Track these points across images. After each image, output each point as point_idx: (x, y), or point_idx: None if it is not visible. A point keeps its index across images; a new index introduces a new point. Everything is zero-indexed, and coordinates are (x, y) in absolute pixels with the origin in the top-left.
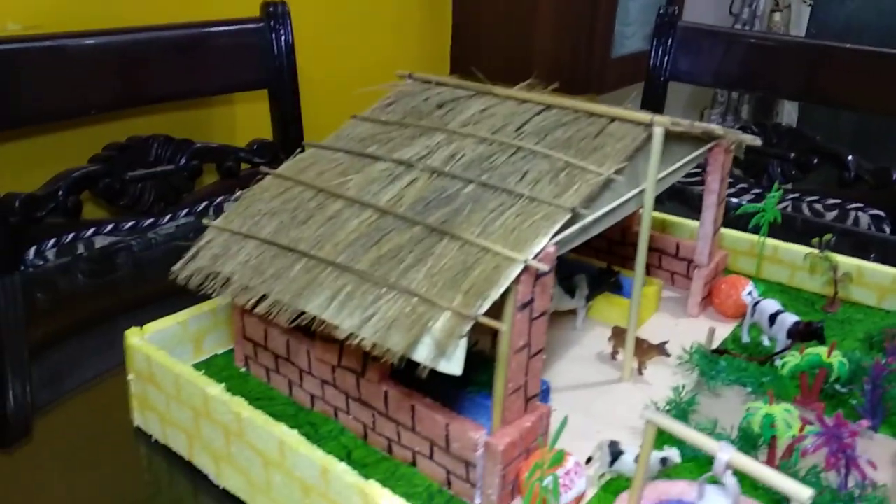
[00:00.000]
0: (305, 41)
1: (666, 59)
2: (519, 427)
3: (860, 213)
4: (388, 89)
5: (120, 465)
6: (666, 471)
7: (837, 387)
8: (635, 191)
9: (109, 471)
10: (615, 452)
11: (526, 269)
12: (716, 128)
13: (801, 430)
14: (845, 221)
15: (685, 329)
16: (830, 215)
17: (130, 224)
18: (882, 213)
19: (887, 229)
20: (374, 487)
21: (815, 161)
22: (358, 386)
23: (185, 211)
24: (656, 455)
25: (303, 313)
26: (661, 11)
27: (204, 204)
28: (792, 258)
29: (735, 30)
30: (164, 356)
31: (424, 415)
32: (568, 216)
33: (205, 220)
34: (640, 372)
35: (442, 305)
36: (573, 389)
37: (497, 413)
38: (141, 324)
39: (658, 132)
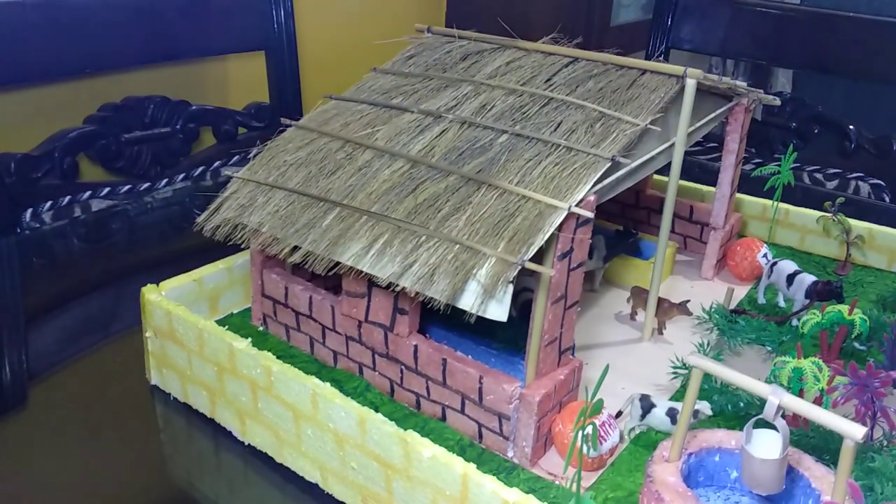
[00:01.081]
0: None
1: (669, 26)
2: (553, 379)
3: (860, 183)
4: (407, 43)
5: (136, 424)
6: (697, 424)
7: (856, 344)
8: (665, 144)
9: (125, 432)
10: (646, 406)
11: (567, 217)
12: (741, 84)
13: (830, 382)
14: (846, 190)
15: (700, 291)
16: (831, 185)
17: (127, 188)
18: (882, 183)
19: (887, 198)
20: (414, 437)
21: (816, 131)
22: (386, 341)
23: (181, 175)
24: None
25: (338, 263)
26: None
27: (201, 169)
28: (804, 222)
29: None
30: (185, 311)
31: (456, 368)
32: (608, 165)
33: (225, 172)
34: (660, 332)
35: (486, 252)
36: (594, 349)
37: (531, 365)
38: (140, 287)
39: (690, 84)
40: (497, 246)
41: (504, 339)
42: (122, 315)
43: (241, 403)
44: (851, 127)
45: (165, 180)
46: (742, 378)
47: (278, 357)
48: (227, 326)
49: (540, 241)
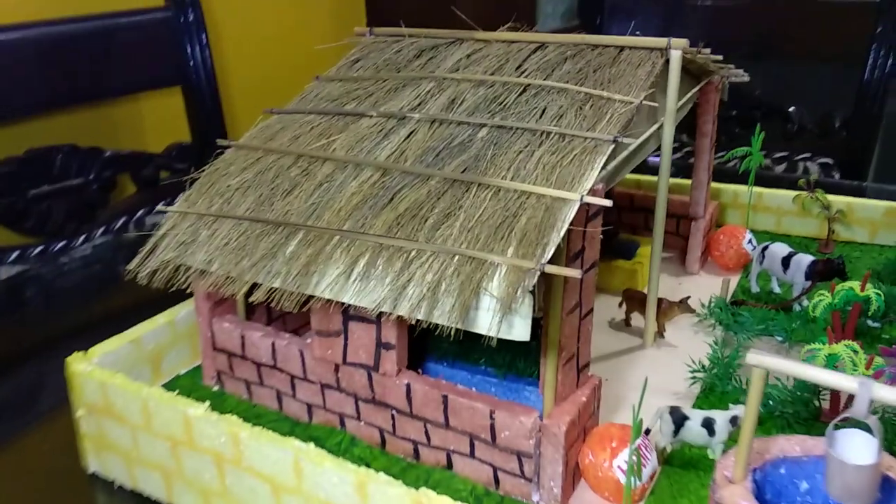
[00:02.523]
0: (218, 29)
1: (598, 27)
2: (575, 403)
3: (808, 163)
4: (349, 47)
5: None
6: (735, 432)
7: (870, 322)
8: (656, 125)
9: None
10: (678, 419)
11: (577, 212)
12: (716, 58)
13: (869, 366)
14: (794, 172)
15: (689, 287)
16: (780, 168)
17: (39, 249)
18: (830, 161)
19: (836, 175)
20: (429, 496)
21: (758, 116)
22: (370, 383)
23: (100, 230)
24: (724, 415)
25: (311, 297)
26: None
27: (122, 220)
28: (779, 203)
29: None
30: (123, 379)
31: (461, 405)
32: (612, 147)
33: (160, 207)
34: (660, 335)
35: (494, 260)
36: (596, 361)
37: (549, 389)
38: (62, 361)
39: (676, 56)
40: (505, 251)
41: (498, 364)
42: (45, 394)
43: (204, 482)
44: (792, 109)
45: (83, 237)
46: (817, 372)
47: (242, 420)
48: (175, 391)
49: (556, 240)
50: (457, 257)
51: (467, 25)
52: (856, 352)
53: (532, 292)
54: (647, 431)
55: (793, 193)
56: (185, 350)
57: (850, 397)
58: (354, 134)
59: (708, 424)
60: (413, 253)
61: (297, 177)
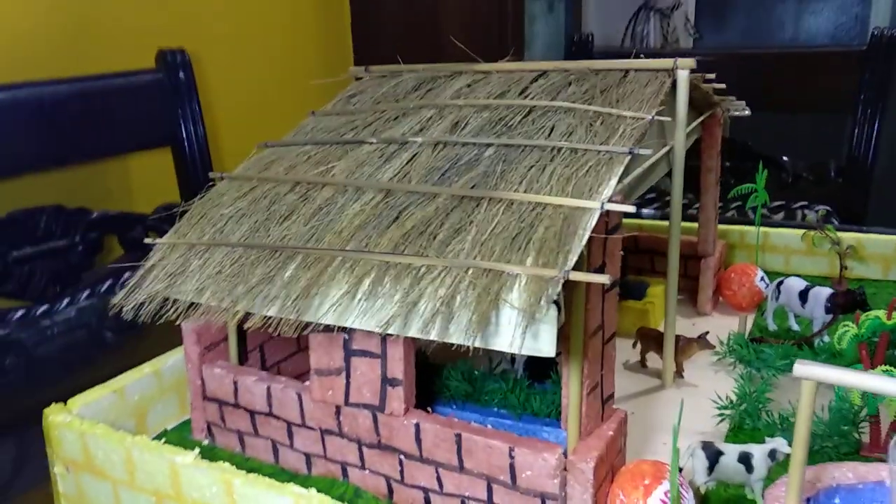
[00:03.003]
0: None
1: None
2: (602, 438)
3: (806, 211)
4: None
5: None
6: (776, 466)
7: None
8: (665, 148)
9: None
10: (712, 455)
11: (597, 223)
12: (719, 86)
13: None
14: (794, 220)
15: (704, 328)
16: (778, 217)
17: (20, 314)
18: (828, 208)
19: (836, 222)
20: None
21: (750, 167)
22: (376, 426)
23: (85, 293)
24: (762, 448)
25: (309, 324)
26: (575, 38)
27: (108, 283)
28: (787, 242)
29: (648, 48)
30: (105, 429)
31: (476, 444)
32: (628, 158)
33: (148, 239)
34: (679, 374)
35: (512, 271)
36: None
37: (573, 421)
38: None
39: (683, 75)
40: (524, 262)
41: (512, 404)
42: (26, 466)
43: None
44: (786, 158)
45: (66, 300)
46: (876, 379)
47: None
48: None
49: (579, 247)
50: (471, 270)
51: (459, 59)
52: (894, 376)
53: (556, 303)
54: (680, 470)
55: (800, 232)
56: (172, 402)
57: (892, 430)
58: (354, 159)
59: (745, 459)
60: (423, 269)
61: (294, 202)
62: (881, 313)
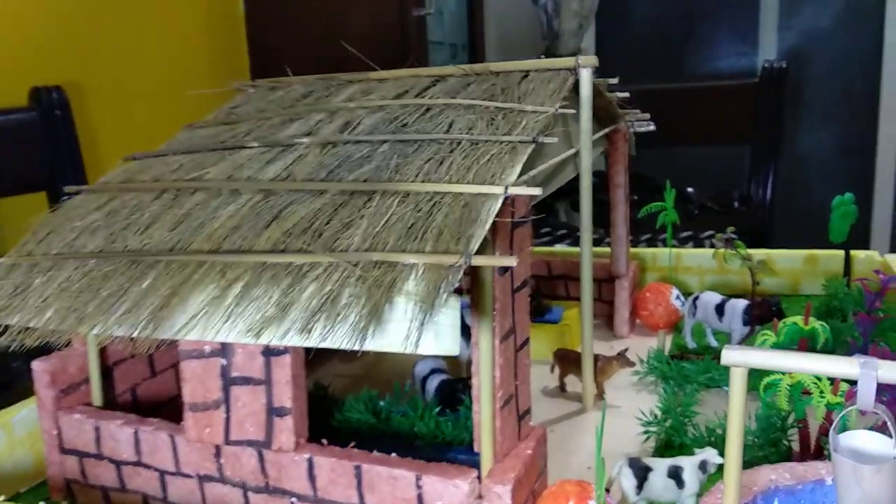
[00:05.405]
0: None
1: None
2: (520, 458)
3: (713, 240)
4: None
5: None
6: (707, 478)
7: None
8: (571, 150)
9: None
10: (640, 472)
11: (502, 212)
12: (622, 95)
13: (835, 392)
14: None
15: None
16: (687, 247)
17: None
18: (734, 236)
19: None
20: None
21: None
22: (262, 466)
23: None
24: (692, 461)
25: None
26: None
27: None
28: (699, 262)
29: None
30: None
31: (379, 475)
32: (531, 147)
33: None
34: (600, 395)
35: (407, 261)
36: None
37: (487, 441)
38: None
39: (586, 73)
40: (421, 251)
41: (421, 430)
42: None
43: None
44: (690, 190)
45: None
46: (809, 359)
47: None
48: None
49: (482, 232)
50: (361, 263)
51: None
52: (819, 379)
53: (458, 290)
54: (608, 490)
55: (711, 251)
56: (26, 461)
57: (821, 433)
58: (232, 164)
59: (675, 474)
60: (306, 267)
61: (160, 210)
62: (798, 319)
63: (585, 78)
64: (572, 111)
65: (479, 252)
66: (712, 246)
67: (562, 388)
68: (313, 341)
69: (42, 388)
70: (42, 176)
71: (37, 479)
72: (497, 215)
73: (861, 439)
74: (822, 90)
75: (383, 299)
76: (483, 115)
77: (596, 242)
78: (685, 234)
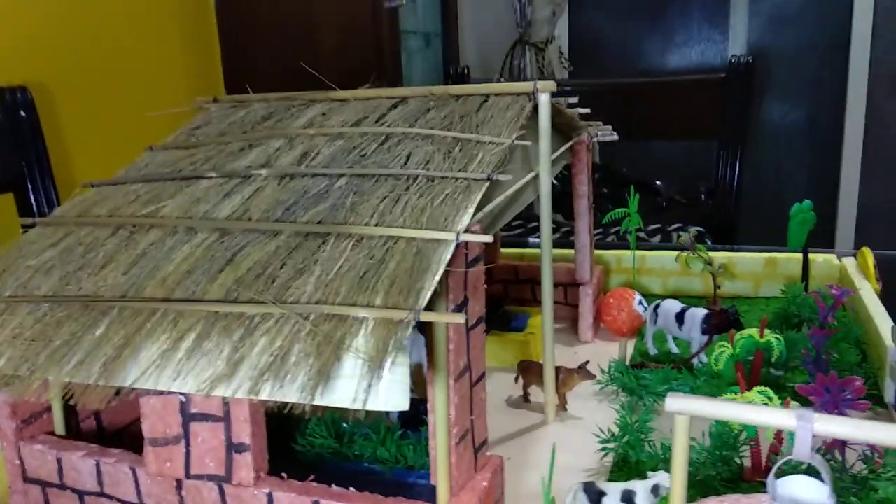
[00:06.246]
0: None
1: None
2: (475, 491)
3: (681, 233)
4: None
5: None
6: (663, 499)
7: (773, 370)
8: (531, 174)
9: None
10: (594, 496)
11: (455, 253)
12: (583, 111)
13: (779, 441)
14: (670, 241)
15: (585, 355)
16: (655, 239)
17: None
18: (701, 229)
19: (709, 241)
20: None
21: (627, 192)
22: (223, 499)
23: None
24: (644, 485)
25: (120, 391)
26: (452, 71)
27: None
28: (662, 264)
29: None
30: None
31: None
32: (486, 185)
33: None
34: (562, 407)
35: (358, 315)
36: (495, 444)
37: (443, 474)
38: None
39: (544, 99)
40: (372, 303)
41: (383, 456)
42: None
43: None
44: (659, 183)
45: None
46: (747, 410)
47: None
48: None
49: (432, 284)
50: (312, 316)
51: (326, 87)
52: (770, 398)
53: (406, 347)
54: None
55: (675, 253)
56: None
57: (777, 439)
58: (189, 196)
59: (628, 499)
60: (257, 318)
61: (114, 249)
62: (754, 332)
63: (544, 104)
64: (528, 143)
65: (432, 301)
66: (679, 239)
67: (525, 398)
68: (263, 397)
69: (3, 419)
70: (7, 177)
71: None
72: (451, 258)
73: (798, 486)
74: (791, 79)
75: (332, 357)
76: (441, 145)
77: (566, 236)
78: (653, 227)
